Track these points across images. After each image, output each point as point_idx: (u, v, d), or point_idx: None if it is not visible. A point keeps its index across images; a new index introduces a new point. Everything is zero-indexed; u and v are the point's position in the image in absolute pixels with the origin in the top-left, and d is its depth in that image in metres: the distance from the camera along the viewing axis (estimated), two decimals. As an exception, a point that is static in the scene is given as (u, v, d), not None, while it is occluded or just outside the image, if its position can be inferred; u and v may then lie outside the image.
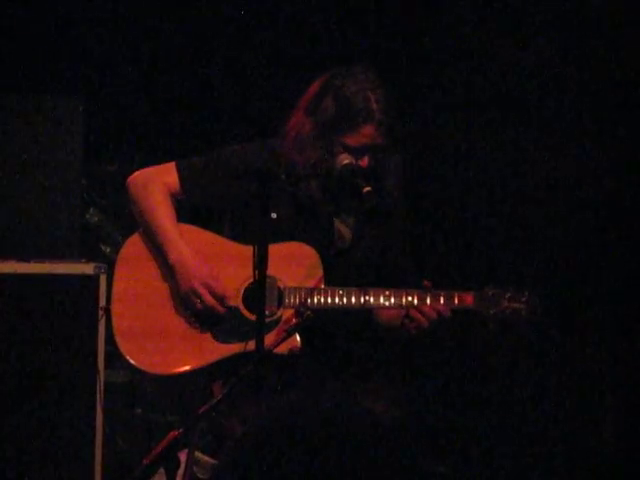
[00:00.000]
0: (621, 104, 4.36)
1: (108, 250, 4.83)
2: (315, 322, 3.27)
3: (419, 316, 3.46)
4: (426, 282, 3.48)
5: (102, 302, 4.09)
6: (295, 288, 3.48)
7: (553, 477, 4.45)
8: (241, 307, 3.47)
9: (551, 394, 4.51)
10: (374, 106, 3.49)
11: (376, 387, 3.57)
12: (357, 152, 3.52)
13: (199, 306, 3.47)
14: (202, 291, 3.45)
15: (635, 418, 4.33)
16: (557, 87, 4.46)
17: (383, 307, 3.50)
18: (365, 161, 3.53)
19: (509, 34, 4.58)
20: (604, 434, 4.42)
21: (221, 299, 3.47)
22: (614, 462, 4.37)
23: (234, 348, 3.44)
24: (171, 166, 3.60)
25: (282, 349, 3.32)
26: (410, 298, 3.48)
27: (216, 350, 3.46)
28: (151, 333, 3.47)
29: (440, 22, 4.72)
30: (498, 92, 4.60)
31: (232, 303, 3.48)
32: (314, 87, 3.62)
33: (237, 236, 3.58)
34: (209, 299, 3.46)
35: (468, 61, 4.67)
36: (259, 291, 3.05)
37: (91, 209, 4.89)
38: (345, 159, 3.50)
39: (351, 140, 3.51)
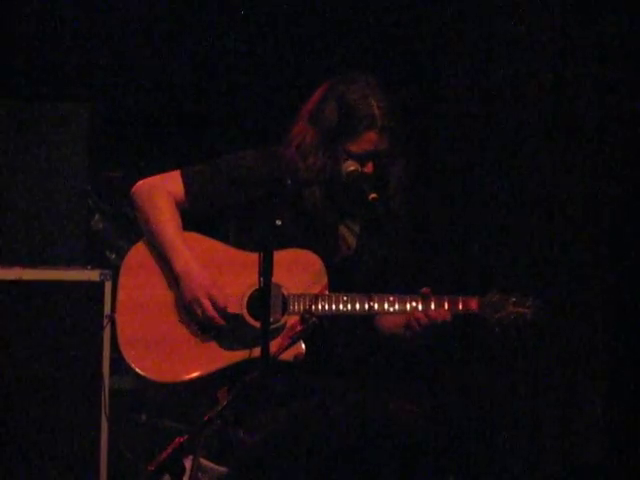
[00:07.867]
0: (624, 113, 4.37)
1: (113, 257, 4.84)
2: (319, 329, 3.27)
3: (416, 324, 3.46)
4: (425, 290, 3.48)
5: (107, 308, 4.10)
6: (299, 295, 3.48)
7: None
8: (245, 314, 3.47)
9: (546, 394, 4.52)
10: (376, 112, 3.50)
11: (381, 393, 3.57)
12: (361, 158, 3.52)
13: (201, 316, 3.48)
14: (204, 301, 3.45)
15: (628, 419, 4.34)
16: (560, 99, 4.47)
17: (387, 313, 3.50)
18: (369, 167, 3.54)
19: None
20: (597, 437, 4.43)
21: (223, 310, 3.46)
22: (607, 464, 4.38)
23: (239, 355, 3.45)
24: (176, 174, 3.60)
25: (287, 356, 3.31)
26: (414, 304, 3.48)
27: (221, 357, 3.46)
28: (156, 341, 3.47)
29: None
30: (501, 98, 4.61)
31: (236, 310, 3.48)
32: (316, 94, 3.63)
33: (242, 243, 3.59)
34: (210, 310, 3.45)
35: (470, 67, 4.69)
36: (263, 298, 3.03)
37: (96, 216, 4.90)
38: (351, 165, 3.51)
39: (354, 147, 3.52)
